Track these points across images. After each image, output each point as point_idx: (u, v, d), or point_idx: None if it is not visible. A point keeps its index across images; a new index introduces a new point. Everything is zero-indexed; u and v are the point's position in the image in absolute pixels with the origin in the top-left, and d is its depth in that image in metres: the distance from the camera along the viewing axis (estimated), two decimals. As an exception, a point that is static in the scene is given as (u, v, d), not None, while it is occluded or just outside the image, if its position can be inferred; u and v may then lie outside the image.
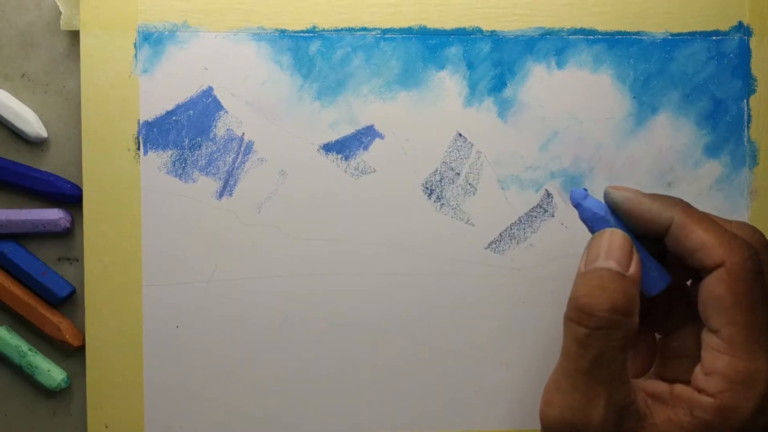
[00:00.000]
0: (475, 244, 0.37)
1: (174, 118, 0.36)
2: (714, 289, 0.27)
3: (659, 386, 0.29)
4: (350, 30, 0.36)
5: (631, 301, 0.28)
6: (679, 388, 0.28)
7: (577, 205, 0.30)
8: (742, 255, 0.27)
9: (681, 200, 0.29)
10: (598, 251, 0.29)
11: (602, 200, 0.30)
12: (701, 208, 0.37)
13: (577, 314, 0.28)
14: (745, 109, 0.37)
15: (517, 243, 0.37)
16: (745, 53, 0.37)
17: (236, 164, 0.36)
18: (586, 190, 0.31)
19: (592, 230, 0.30)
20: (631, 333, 0.28)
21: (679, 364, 0.30)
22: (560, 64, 0.37)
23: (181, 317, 0.36)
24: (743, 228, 0.29)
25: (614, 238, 0.29)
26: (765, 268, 0.28)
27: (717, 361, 0.27)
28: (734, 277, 0.27)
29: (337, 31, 0.36)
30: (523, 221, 0.37)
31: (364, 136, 0.36)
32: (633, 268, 0.28)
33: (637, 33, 0.37)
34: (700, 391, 0.27)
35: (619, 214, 0.29)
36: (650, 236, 0.29)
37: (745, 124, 0.37)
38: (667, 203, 0.29)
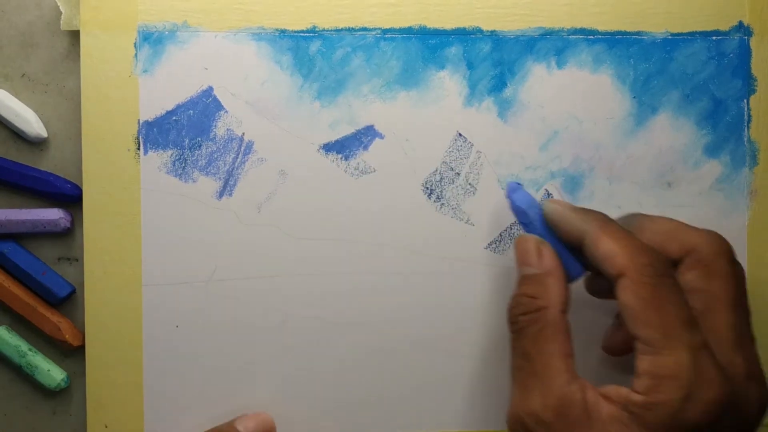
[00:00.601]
0: (475, 244, 0.37)
1: (174, 117, 0.36)
2: (622, 297, 0.29)
3: (610, 387, 0.30)
4: (350, 30, 0.36)
5: (543, 296, 0.31)
6: (621, 389, 0.29)
7: (507, 197, 0.34)
8: (641, 261, 0.29)
9: (602, 215, 0.31)
10: (517, 260, 0.32)
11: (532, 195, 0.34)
12: (701, 208, 0.37)
13: (510, 326, 0.32)
14: (745, 109, 0.37)
15: (517, 243, 0.37)
16: (745, 53, 0.37)
17: (236, 164, 0.36)
18: (519, 184, 0.34)
19: (518, 220, 0.34)
20: (554, 324, 0.30)
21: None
22: (560, 64, 0.37)
23: (181, 317, 0.36)
24: (701, 235, 0.31)
25: (522, 244, 0.32)
26: (718, 275, 0.30)
27: (642, 362, 0.28)
28: (637, 283, 0.29)
29: (337, 31, 0.36)
30: (523, 221, 0.37)
31: (364, 136, 0.36)
32: (544, 263, 0.32)
33: (637, 33, 0.37)
34: (634, 391, 0.28)
35: (548, 225, 0.33)
36: (573, 246, 0.32)
37: (745, 124, 0.37)
38: (585, 217, 0.31)
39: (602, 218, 0.31)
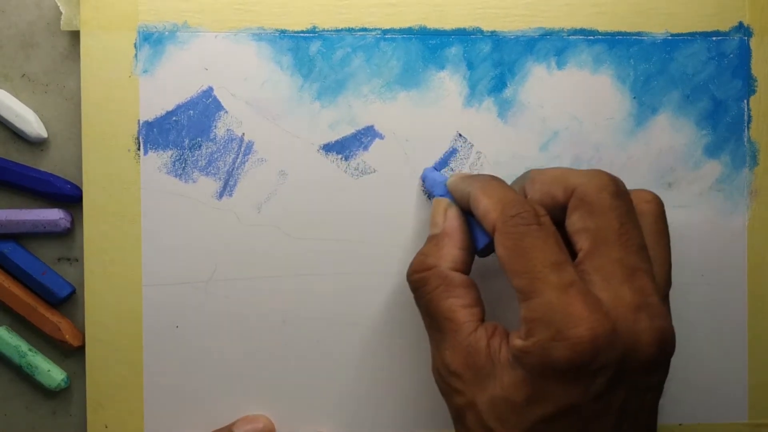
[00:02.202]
0: (475, 244, 0.37)
1: (174, 118, 0.36)
2: (497, 251, 0.30)
3: (513, 332, 0.30)
4: (350, 30, 0.36)
5: (434, 255, 0.32)
6: (513, 334, 0.29)
7: (421, 181, 0.36)
8: (509, 213, 0.29)
9: (488, 177, 0.33)
10: (430, 222, 0.34)
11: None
12: (701, 208, 0.37)
13: (408, 285, 0.33)
14: (745, 109, 0.37)
15: (517, 243, 0.37)
16: (745, 53, 0.37)
17: (236, 164, 0.36)
18: (435, 168, 0.36)
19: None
20: (444, 279, 0.31)
21: None
22: (560, 65, 0.37)
23: (181, 317, 0.36)
24: (583, 175, 0.31)
25: (434, 206, 0.34)
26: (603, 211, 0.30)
27: (520, 310, 0.29)
28: (504, 235, 0.29)
29: (337, 31, 0.36)
30: (523, 221, 0.37)
31: (364, 136, 0.36)
32: (446, 224, 0.33)
33: (638, 33, 0.37)
34: (518, 337, 0.29)
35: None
36: (468, 212, 0.33)
37: (745, 124, 0.37)
38: (471, 181, 0.32)
39: (485, 179, 0.32)
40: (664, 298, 0.31)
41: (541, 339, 0.28)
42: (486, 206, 0.31)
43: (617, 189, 0.30)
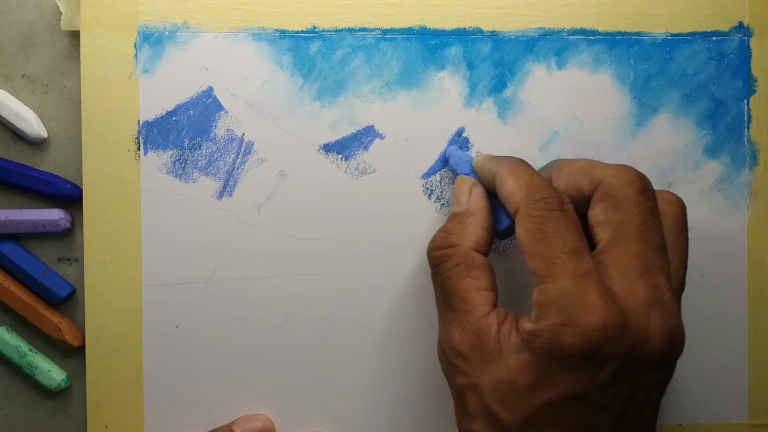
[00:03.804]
0: (475, 244, 0.37)
1: (174, 118, 0.36)
2: (516, 232, 0.30)
3: (523, 318, 0.30)
4: (350, 30, 0.36)
5: (458, 233, 0.32)
6: (523, 319, 0.29)
7: (446, 158, 0.36)
8: (534, 197, 0.30)
9: (514, 159, 0.33)
10: (453, 199, 0.34)
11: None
12: (701, 208, 0.37)
13: (428, 260, 0.33)
14: (745, 109, 0.37)
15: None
16: (745, 53, 0.37)
17: (236, 164, 0.36)
18: (460, 147, 0.36)
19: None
20: (465, 259, 0.31)
21: None
22: (560, 65, 0.37)
23: (181, 317, 0.36)
24: (610, 168, 0.31)
25: (458, 184, 0.34)
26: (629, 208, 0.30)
27: (534, 294, 0.29)
28: (526, 217, 0.30)
29: (337, 31, 0.36)
30: (523, 221, 0.37)
31: (364, 136, 0.36)
32: (471, 203, 0.33)
33: (638, 33, 0.37)
34: (528, 321, 0.29)
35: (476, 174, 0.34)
36: (492, 192, 0.33)
37: (745, 124, 0.37)
38: (498, 161, 0.33)
39: (513, 161, 0.32)
40: (677, 299, 0.31)
41: (551, 323, 0.28)
42: (511, 187, 0.31)
43: (643, 186, 0.30)
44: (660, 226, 0.30)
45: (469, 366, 0.30)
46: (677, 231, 0.32)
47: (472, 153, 0.37)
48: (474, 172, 0.34)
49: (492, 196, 0.33)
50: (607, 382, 0.28)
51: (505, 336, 0.29)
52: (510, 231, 0.33)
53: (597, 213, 0.30)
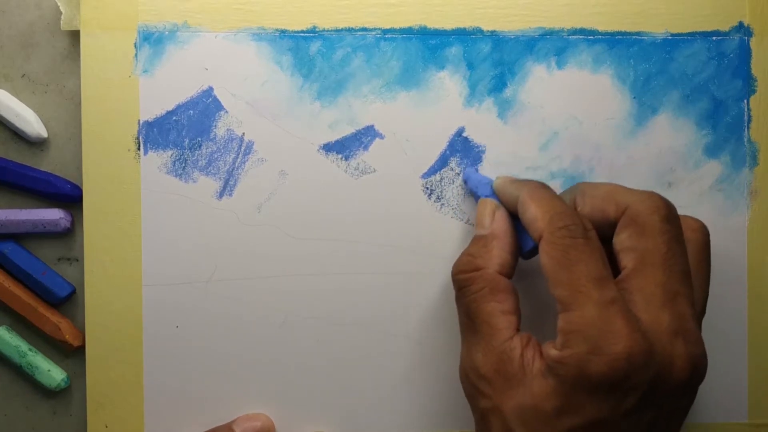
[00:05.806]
0: (475, 244, 0.37)
1: (174, 118, 0.36)
2: (541, 259, 0.30)
3: (547, 343, 0.30)
4: (350, 30, 0.36)
5: (483, 256, 0.32)
6: (548, 345, 0.29)
7: (463, 182, 0.36)
8: (557, 224, 0.30)
9: (536, 183, 0.33)
10: (476, 221, 0.34)
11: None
12: (701, 208, 0.37)
13: (452, 283, 0.33)
14: (745, 109, 0.37)
15: (517, 243, 0.37)
16: (745, 53, 0.37)
17: (236, 164, 0.36)
18: (477, 169, 0.36)
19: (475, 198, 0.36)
20: (490, 282, 0.31)
21: None
22: (560, 65, 0.37)
23: (181, 317, 0.36)
24: (636, 194, 0.31)
25: (480, 207, 0.34)
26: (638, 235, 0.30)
27: (559, 321, 0.29)
28: (550, 244, 0.30)
29: (337, 31, 0.36)
30: (523, 221, 0.37)
31: (364, 136, 0.36)
32: (494, 225, 0.33)
33: (638, 33, 0.37)
34: (554, 348, 0.29)
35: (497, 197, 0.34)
36: (513, 215, 0.33)
37: (746, 124, 0.37)
38: (520, 186, 0.33)
39: (534, 186, 0.32)
40: (699, 325, 0.31)
41: (577, 351, 0.28)
42: (534, 213, 0.31)
43: (669, 213, 0.30)
44: (685, 254, 0.30)
45: (492, 389, 0.30)
46: (701, 258, 0.32)
47: (473, 153, 0.37)
48: (494, 194, 0.34)
49: (514, 217, 0.33)
50: (631, 409, 0.28)
51: (529, 361, 0.29)
52: (534, 252, 0.33)
53: (622, 239, 0.30)
